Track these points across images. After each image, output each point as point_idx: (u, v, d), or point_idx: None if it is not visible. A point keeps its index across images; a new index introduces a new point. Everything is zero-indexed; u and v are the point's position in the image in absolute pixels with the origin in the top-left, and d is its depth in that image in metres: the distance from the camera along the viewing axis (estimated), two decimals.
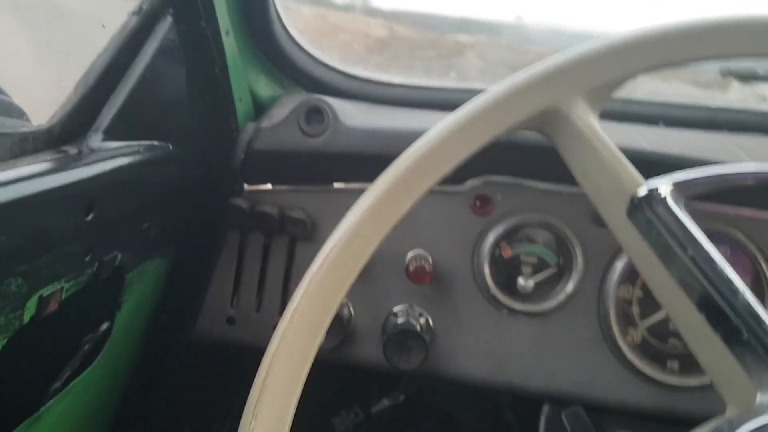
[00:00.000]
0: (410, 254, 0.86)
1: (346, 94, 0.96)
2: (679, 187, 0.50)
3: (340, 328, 0.83)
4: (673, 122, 0.97)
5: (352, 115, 0.84)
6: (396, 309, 0.88)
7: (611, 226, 0.51)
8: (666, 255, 0.48)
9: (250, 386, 0.46)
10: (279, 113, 0.83)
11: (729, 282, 0.46)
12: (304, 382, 0.46)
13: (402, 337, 0.81)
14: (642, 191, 0.48)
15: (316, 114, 0.80)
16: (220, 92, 0.78)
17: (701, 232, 0.48)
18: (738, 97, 0.99)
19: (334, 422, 1.14)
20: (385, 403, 1.14)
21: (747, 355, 0.45)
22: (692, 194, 0.52)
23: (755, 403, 0.45)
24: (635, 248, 0.50)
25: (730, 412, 0.47)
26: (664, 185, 0.49)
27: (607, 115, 0.98)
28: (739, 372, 0.45)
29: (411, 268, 0.81)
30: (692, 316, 0.47)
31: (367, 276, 0.88)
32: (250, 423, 0.44)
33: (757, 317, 0.45)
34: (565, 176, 0.84)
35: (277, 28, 0.88)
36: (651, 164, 0.80)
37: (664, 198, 0.48)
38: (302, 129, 0.80)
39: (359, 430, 1.15)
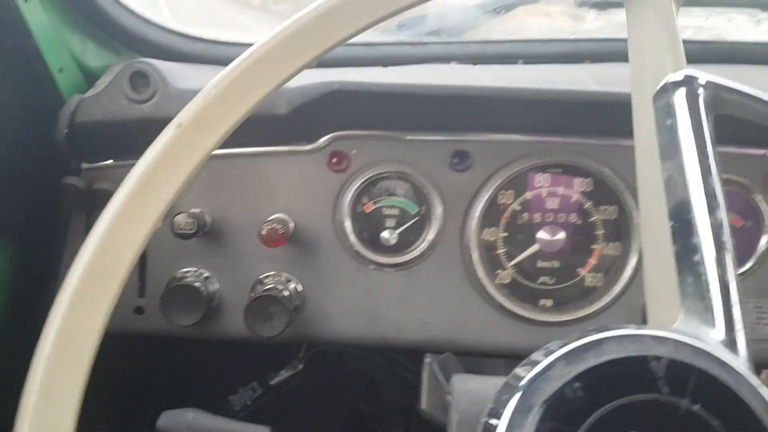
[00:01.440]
0: (270, 218, 0.83)
1: (190, 58, 0.91)
2: (712, 87, 0.46)
3: (198, 303, 0.79)
4: (532, 59, 0.96)
5: (185, 76, 0.80)
6: (264, 276, 0.85)
7: (634, 110, 0.48)
8: (667, 149, 0.44)
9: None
10: (105, 82, 0.78)
11: (713, 197, 0.42)
12: (102, 330, 0.43)
13: (262, 305, 0.78)
14: (678, 76, 0.45)
15: (141, 78, 0.75)
16: (33, 64, 0.72)
17: (711, 139, 0.44)
18: (597, 26, 0.98)
19: (232, 400, 1.11)
20: (284, 374, 1.12)
21: (689, 278, 0.41)
22: (721, 103, 0.47)
23: (672, 326, 0.42)
24: (642, 138, 0.47)
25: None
26: (701, 76, 0.46)
27: (462, 58, 0.97)
28: (673, 292, 0.41)
29: (263, 233, 0.78)
30: (660, 222, 0.43)
31: (229, 247, 0.84)
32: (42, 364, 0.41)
33: (721, 243, 0.41)
34: (418, 123, 0.83)
35: None
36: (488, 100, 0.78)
37: (695, 88, 0.45)
38: (127, 95, 0.75)
39: (259, 403, 1.12)
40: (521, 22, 0.97)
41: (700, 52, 0.97)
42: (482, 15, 0.96)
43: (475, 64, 0.93)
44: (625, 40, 0.99)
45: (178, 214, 0.77)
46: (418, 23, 0.96)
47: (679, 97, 0.44)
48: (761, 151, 0.82)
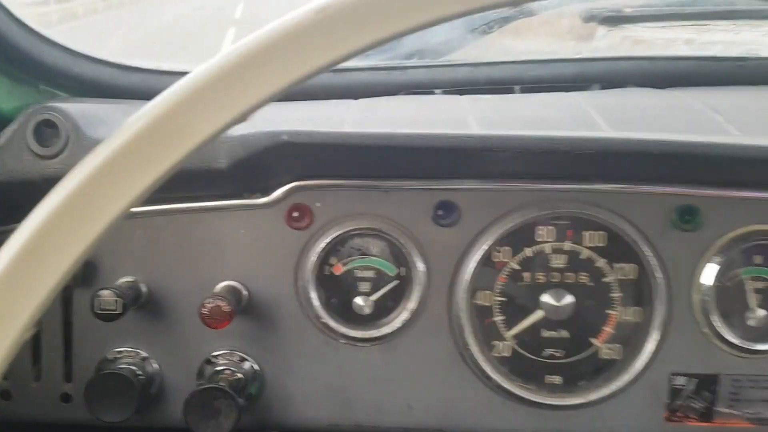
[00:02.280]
0: (219, 287, 0.69)
1: (125, 92, 0.77)
2: None
3: (130, 394, 0.65)
4: (531, 84, 0.82)
5: (105, 121, 0.66)
6: (214, 355, 0.71)
7: None
8: None
9: None
10: (10, 132, 0.64)
11: None
12: None
13: (205, 399, 0.64)
14: None
15: (49, 128, 0.61)
16: None
17: None
18: (608, 43, 0.84)
19: None
20: None
21: None
22: None
23: None
24: None
25: None
26: None
27: (449, 85, 0.83)
28: None
29: (204, 312, 0.64)
30: None
31: (170, 321, 0.71)
32: None
33: None
34: (393, 169, 0.69)
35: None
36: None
37: None
38: (33, 150, 0.61)
39: None
40: (517, 42, 0.83)
41: (732, 72, 0.83)
42: (471, 33, 0.82)
43: (462, 93, 0.79)
44: (640, 59, 0.85)
45: (102, 289, 0.64)
46: (396, 43, 0.82)
47: None
48: None
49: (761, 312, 0.68)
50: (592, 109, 0.69)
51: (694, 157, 0.62)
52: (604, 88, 0.82)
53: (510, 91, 0.81)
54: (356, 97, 0.78)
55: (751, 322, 0.69)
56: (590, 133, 0.62)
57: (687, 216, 0.68)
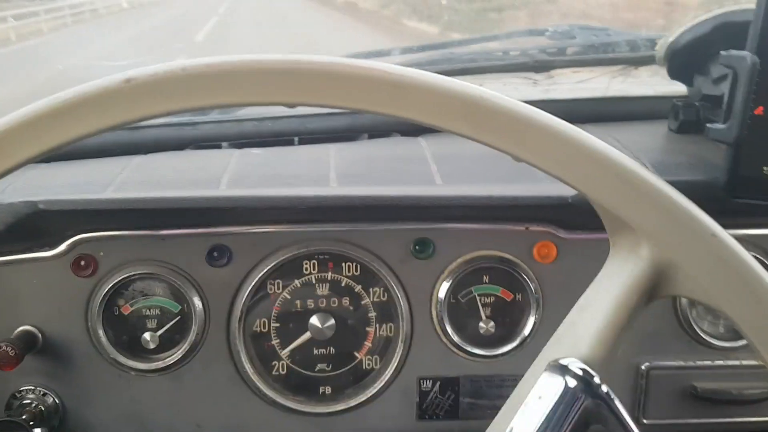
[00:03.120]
0: (13, 333, 0.77)
1: None
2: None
3: None
4: (309, 136, 0.94)
5: None
6: (20, 390, 0.79)
7: None
8: None
9: None
10: None
11: None
12: None
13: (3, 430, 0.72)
14: (574, 365, 0.39)
15: None
16: None
17: None
18: None
19: None
20: None
21: None
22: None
23: None
24: None
25: None
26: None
27: (237, 138, 0.94)
28: None
29: None
30: None
31: None
32: None
33: None
34: (168, 220, 0.80)
35: None
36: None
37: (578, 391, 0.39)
38: None
39: None
40: None
41: None
42: None
43: (248, 145, 0.90)
44: None
45: None
46: None
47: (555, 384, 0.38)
48: (523, 227, 0.81)
49: (490, 323, 0.83)
50: (334, 162, 0.82)
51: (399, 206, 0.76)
52: (371, 137, 0.95)
53: (291, 143, 0.93)
54: (146, 152, 0.88)
55: (482, 332, 0.83)
56: (313, 190, 0.75)
57: (422, 247, 0.81)
